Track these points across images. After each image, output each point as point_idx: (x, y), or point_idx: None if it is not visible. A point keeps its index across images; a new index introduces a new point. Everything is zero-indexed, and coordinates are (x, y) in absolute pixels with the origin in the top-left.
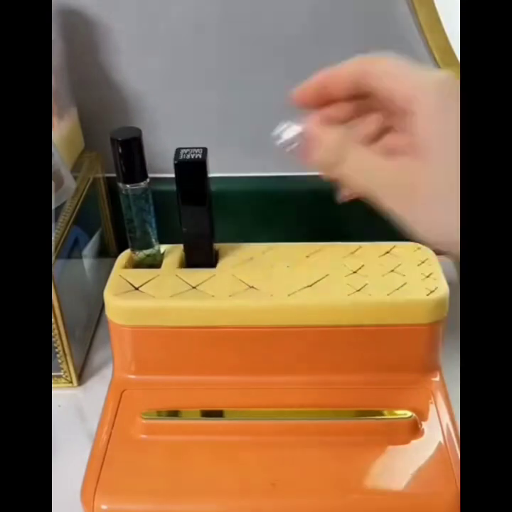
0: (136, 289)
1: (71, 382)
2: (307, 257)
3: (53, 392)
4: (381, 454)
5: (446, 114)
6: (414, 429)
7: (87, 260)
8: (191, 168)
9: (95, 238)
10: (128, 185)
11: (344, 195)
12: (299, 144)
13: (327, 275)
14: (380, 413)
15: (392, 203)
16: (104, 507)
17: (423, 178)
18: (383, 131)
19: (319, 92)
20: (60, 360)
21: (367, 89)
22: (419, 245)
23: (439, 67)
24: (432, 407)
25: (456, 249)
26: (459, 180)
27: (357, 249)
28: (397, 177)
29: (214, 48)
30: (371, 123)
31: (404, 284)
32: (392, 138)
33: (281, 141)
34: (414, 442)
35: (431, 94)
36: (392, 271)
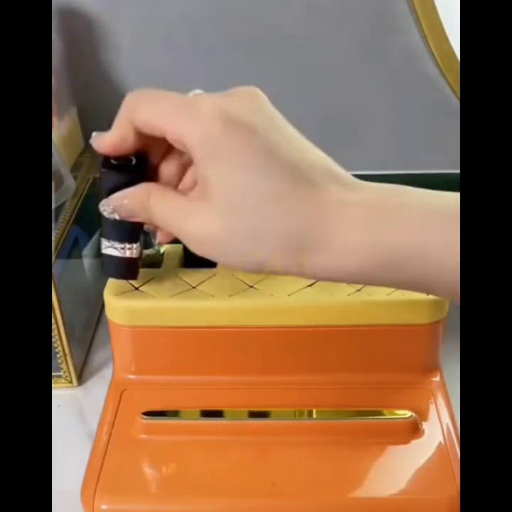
0: (136, 288)
1: (71, 382)
2: None
3: (53, 392)
4: (381, 454)
5: (219, 155)
6: (414, 429)
7: (87, 260)
8: None
9: (95, 238)
10: None
11: (160, 240)
12: (117, 210)
13: None
14: (380, 413)
15: (185, 241)
16: (104, 507)
17: (207, 220)
18: (187, 166)
19: (114, 152)
20: (60, 360)
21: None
22: None
23: (439, 67)
24: (432, 407)
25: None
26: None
27: None
28: (185, 216)
29: (214, 48)
30: (173, 161)
31: None
32: (191, 172)
33: (107, 214)
34: (414, 442)
35: (199, 137)
36: None
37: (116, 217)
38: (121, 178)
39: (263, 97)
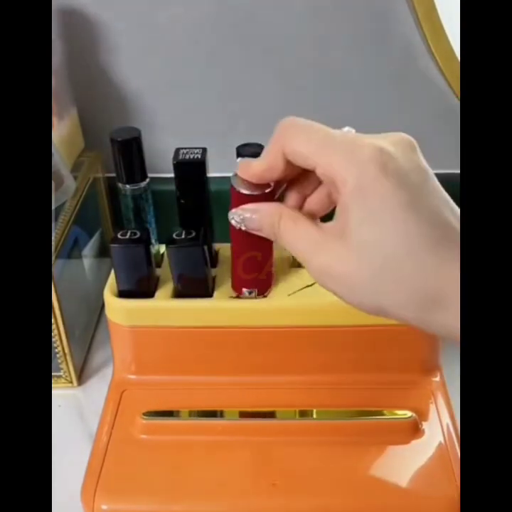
0: None
1: (71, 382)
2: None
3: (53, 392)
4: (381, 454)
5: (367, 201)
6: (414, 429)
7: (87, 260)
8: (190, 169)
9: (95, 238)
10: (128, 186)
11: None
12: (246, 221)
13: None
14: (381, 413)
15: (316, 273)
16: (104, 507)
17: (341, 258)
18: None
19: (259, 180)
20: (60, 360)
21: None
22: None
23: (439, 66)
24: (432, 407)
25: (390, 316)
26: (382, 269)
27: None
28: (315, 248)
29: (214, 48)
30: (309, 184)
31: None
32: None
33: (235, 223)
34: (414, 442)
35: (352, 178)
36: None
37: (243, 227)
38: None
39: (417, 146)
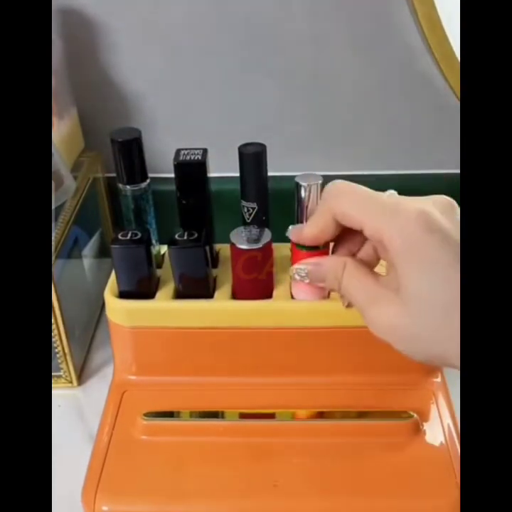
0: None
1: (71, 382)
2: None
3: (53, 392)
4: (382, 455)
5: (415, 257)
6: (415, 430)
7: (87, 260)
8: (191, 169)
9: (95, 238)
10: (128, 186)
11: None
12: (310, 275)
13: None
14: (382, 414)
15: (372, 325)
16: (105, 508)
17: (398, 310)
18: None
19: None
20: (60, 360)
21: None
22: None
23: (439, 66)
24: (433, 408)
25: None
26: (440, 324)
27: None
28: (374, 301)
29: (214, 48)
30: (357, 241)
31: None
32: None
33: (298, 277)
34: (415, 443)
35: (400, 237)
36: None
37: (307, 280)
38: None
39: (457, 207)
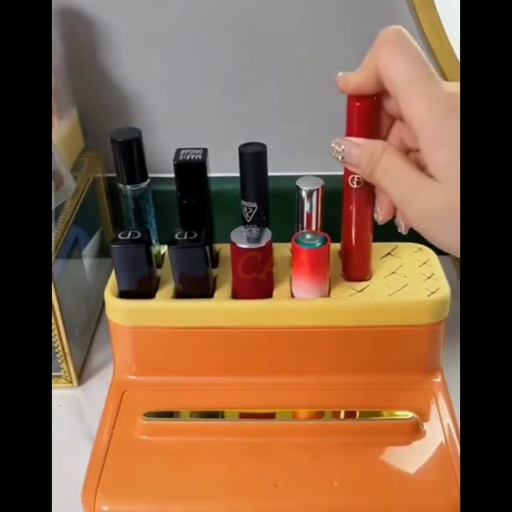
0: None
1: (71, 382)
2: None
3: (53, 392)
4: (382, 455)
5: (449, 141)
6: (415, 430)
7: (87, 260)
8: (191, 169)
9: (95, 238)
10: (128, 186)
11: (382, 218)
12: (345, 154)
13: (329, 276)
14: (382, 414)
15: (411, 212)
16: (105, 508)
17: (438, 197)
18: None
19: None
20: (60, 360)
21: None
22: (420, 246)
23: (439, 66)
24: (433, 408)
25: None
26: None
27: None
28: (416, 189)
29: (214, 48)
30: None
31: (406, 285)
32: None
33: (334, 153)
34: (415, 443)
35: (435, 124)
36: (394, 272)
37: (340, 157)
38: None
39: None
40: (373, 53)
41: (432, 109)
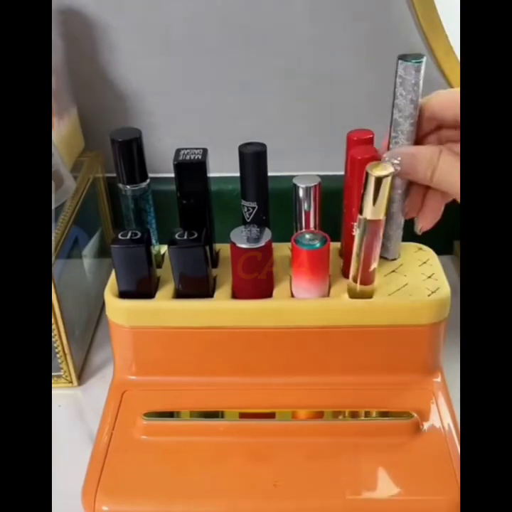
0: None
1: (71, 382)
2: None
3: (53, 392)
4: (382, 455)
5: None
6: (415, 430)
7: (87, 260)
8: (191, 169)
9: (95, 238)
10: (128, 186)
11: (422, 226)
12: (402, 165)
13: (328, 276)
14: (382, 414)
15: None
16: (105, 508)
17: None
18: None
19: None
20: (60, 360)
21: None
22: (421, 246)
23: (439, 66)
24: (433, 408)
25: None
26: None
27: None
28: None
29: (213, 48)
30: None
31: (406, 284)
32: None
33: (388, 159)
34: (415, 443)
35: None
36: (394, 271)
37: (398, 168)
38: None
39: None
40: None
41: None
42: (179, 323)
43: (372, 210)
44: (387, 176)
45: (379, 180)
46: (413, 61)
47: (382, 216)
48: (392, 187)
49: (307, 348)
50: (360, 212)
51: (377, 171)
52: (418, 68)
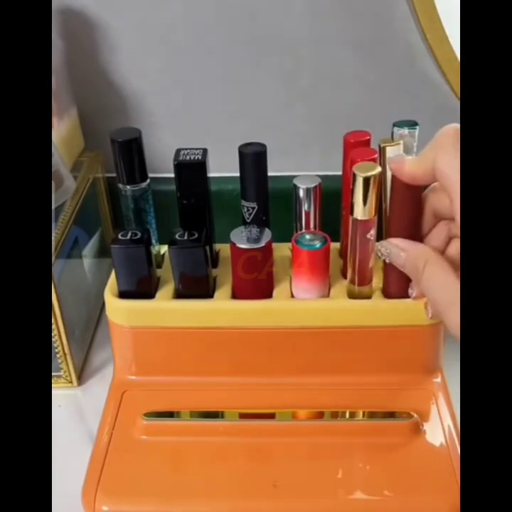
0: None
1: (71, 382)
2: None
3: (53, 392)
4: (382, 455)
5: None
6: (415, 430)
7: (87, 260)
8: (191, 169)
9: (95, 238)
10: (128, 186)
11: (415, 295)
12: (391, 256)
13: (328, 276)
14: (382, 414)
15: (449, 323)
16: (105, 508)
17: None
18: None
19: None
20: (60, 360)
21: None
22: None
23: (439, 66)
24: (433, 408)
25: None
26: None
27: None
28: (457, 300)
29: (213, 48)
30: (442, 230)
31: None
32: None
33: (380, 255)
34: (415, 443)
35: None
36: None
37: (388, 260)
38: None
39: None
40: (432, 150)
41: None
42: (179, 323)
43: (362, 210)
44: (374, 175)
45: (367, 181)
46: None
47: (372, 216)
48: (380, 185)
49: (307, 348)
50: (351, 212)
51: (364, 172)
52: None
